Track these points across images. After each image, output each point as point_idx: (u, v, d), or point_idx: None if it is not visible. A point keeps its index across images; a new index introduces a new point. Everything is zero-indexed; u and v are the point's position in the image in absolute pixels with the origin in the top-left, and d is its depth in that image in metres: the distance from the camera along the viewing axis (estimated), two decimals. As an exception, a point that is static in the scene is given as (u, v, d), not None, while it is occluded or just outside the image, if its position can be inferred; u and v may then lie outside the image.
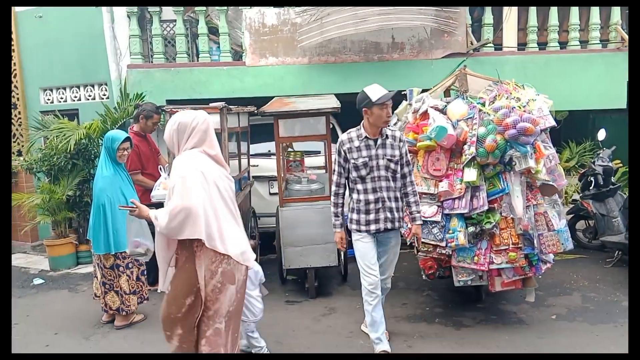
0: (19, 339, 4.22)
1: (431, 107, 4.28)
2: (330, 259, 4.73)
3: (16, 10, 7.21)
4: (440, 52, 6.61)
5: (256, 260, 5.47)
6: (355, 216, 3.60)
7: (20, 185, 7.03)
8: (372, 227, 3.53)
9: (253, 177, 6.25)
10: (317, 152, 6.35)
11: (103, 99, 6.92)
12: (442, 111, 4.24)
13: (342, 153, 3.57)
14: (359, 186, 3.56)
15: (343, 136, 3.60)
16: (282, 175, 5.18)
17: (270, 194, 6.29)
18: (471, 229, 3.94)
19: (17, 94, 7.35)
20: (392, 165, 3.53)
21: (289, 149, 6.02)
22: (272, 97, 5.74)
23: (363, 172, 3.51)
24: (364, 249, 3.57)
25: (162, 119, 5.50)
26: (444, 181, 4.05)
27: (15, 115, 7.42)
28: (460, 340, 3.83)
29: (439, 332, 3.98)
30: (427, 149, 4.13)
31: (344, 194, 3.65)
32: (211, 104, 5.11)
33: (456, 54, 6.56)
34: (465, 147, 3.99)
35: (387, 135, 3.55)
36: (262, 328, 4.18)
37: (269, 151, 6.40)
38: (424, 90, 4.69)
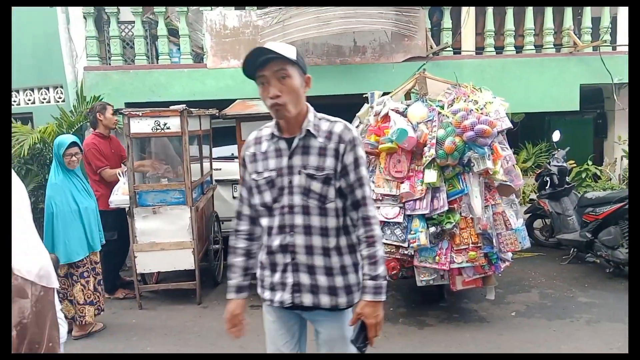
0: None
1: (392, 109, 4.33)
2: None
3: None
4: (401, 56, 6.70)
5: (218, 264, 5.47)
6: (259, 272, 2.12)
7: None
8: (277, 296, 2.04)
9: (216, 180, 6.17)
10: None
11: (58, 102, 6.69)
12: (403, 114, 4.30)
13: (244, 163, 2.08)
14: (265, 221, 2.03)
15: (251, 135, 2.12)
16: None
17: (234, 197, 6.22)
18: (432, 229, 4.00)
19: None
20: (317, 186, 1.93)
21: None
22: (234, 100, 5.68)
23: (267, 198, 1.98)
24: (268, 331, 2.17)
25: (120, 121, 5.36)
26: (405, 183, 4.10)
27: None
28: (424, 339, 3.88)
29: (403, 331, 4.02)
30: (388, 151, 4.17)
31: (249, 232, 2.12)
32: (171, 107, 5.02)
33: (416, 58, 6.67)
34: (426, 149, 4.05)
35: (311, 131, 1.94)
36: (225, 335, 4.09)
37: (232, 154, 6.33)
38: (385, 93, 4.74)
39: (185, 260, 4.77)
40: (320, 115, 2.00)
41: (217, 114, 5.48)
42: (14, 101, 7.03)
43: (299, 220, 1.94)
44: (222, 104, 5.63)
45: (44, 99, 6.88)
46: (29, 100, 6.97)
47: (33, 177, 5.87)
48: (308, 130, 1.93)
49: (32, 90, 6.92)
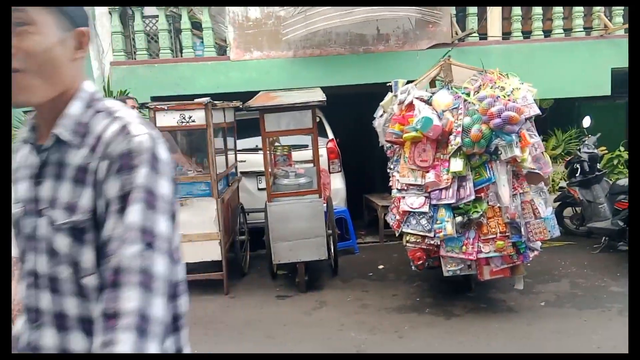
0: None
1: (416, 98, 4.27)
2: (320, 253, 4.72)
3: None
4: (425, 43, 6.60)
5: (244, 255, 5.54)
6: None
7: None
8: None
9: (241, 172, 6.22)
10: (304, 146, 6.33)
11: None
12: (428, 102, 4.24)
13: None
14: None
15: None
16: (270, 170, 5.15)
17: (259, 189, 6.26)
18: (459, 218, 3.95)
19: None
20: (63, 243, 1.02)
21: (276, 144, 5.99)
22: (258, 92, 5.70)
23: (16, 252, 1.14)
24: None
25: (146, 114, 5.44)
26: (430, 172, 4.05)
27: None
28: (451, 329, 3.86)
29: (430, 321, 4.00)
30: (413, 140, 4.12)
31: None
32: (196, 100, 5.07)
33: (441, 45, 6.55)
34: (451, 137, 3.99)
35: (66, 137, 1.05)
36: (254, 323, 4.20)
37: (256, 146, 6.35)
38: (409, 82, 4.68)
39: (213, 251, 4.84)
40: (104, 104, 1.10)
41: (240, 106, 5.51)
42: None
43: (45, 302, 1.07)
44: (245, 96, 5.65)
45: (73, 94, 7.03)
46: (59, 96, 7.12)
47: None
48: (58, 136, 1.05)
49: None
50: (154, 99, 6.37)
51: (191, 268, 5.22)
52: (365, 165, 8.47)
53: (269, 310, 4.46)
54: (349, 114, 7.37)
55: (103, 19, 6.63)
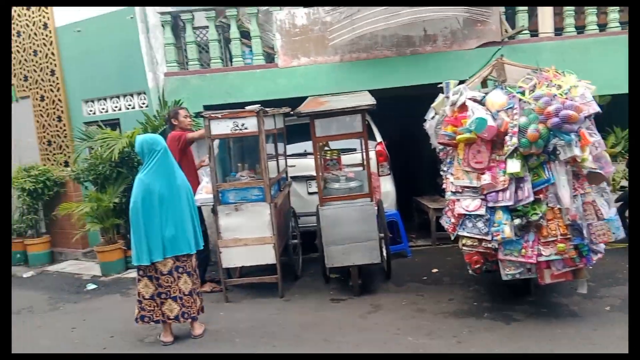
0: (78, 343, 4.41)
1: (469, 98, 4.22)
2: (373, 256, 4.73)
3: (55, 25, 7.50)
4: (474, 42, 6.49)
5: (297, 258, 5.61)
6: None
7: (69, 195, 7.31)
8: None
9: (291, 177, 6.32)
10: (352, 150, 6.36)
11: (143, 107, 7.11)
12: (481, 102, 4.18)
13: None
14: None
15: None
16: (321, 174, 5.21)
17: (309, 193, 6.34)
18: (517, 221, 3.86)
19: (61, 107, 7.65)
20: None
21: (325, 148, 6.05)
22: (305, 98, 5.77)
23: None
24: None
25: (200, 123, 5.62)
26: (486, 174, 3.99)
27: (60, 128, 7.72)
28: (512, 334, 3.77)
29: (489, 326, 3.93)
30: (467, 141, 4.07)
31: None
32: (247, 107, 5.20)
33: (490, 43, 6.43)
34: (507, 138, 3.92)
35: None
36: (310, 326, 4.26)
37: (305, 151, 6.45)
38: (460, 82, 4.63)
39: (267, 255, 4.94)
40: None
41: (290, 112, 5.60)
42: (103, 109, 7.55)
43: None
44: (293, 102, 5.75)
45: (129, 105, 7.34)
46: (116, 107, 7.46)
47: (124, 179, 6.31)
48: None
49: (118, 97, 7.40)
50: (205, 107, 6.56)
51: (246, 271, 5.36)
52: (414, 167, 8.41)
53: (324, 314, 4.51)
54: (397, 116, 7.33)
55: (156, 31, 6.90)
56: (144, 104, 7.18)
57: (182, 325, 4.30)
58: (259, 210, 4.96)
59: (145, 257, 4.05)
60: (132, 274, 6.18)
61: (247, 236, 4.95)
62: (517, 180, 3.89)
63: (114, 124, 7.26)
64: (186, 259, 4.19)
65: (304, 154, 6.45)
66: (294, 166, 6.36)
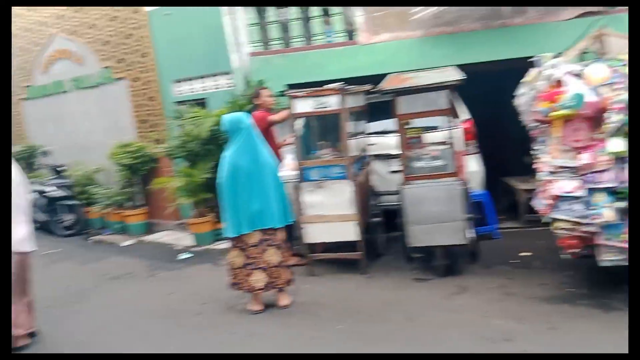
0: (175, 307, 4.76)
1: (567, 72, 3.96)
2: (458, 238, 4.64)
3: (146, 9, 7.91)
4: (570, 13, 6.04)
5: (379, 236, 5.63)
6: None
7: (163, 170, 7.83)
8: None
9: (371, 155, 6.30)
10: (435, 128, 6.20)
11: (229, 87, 7.36)
12: (580, 77, 3.91)
13: None
14: None
15: None
16: (404, 152, 5.14)
17: (390, 172, 6.29)
18: (619, 203, 3.62)
19: (154, 87, 8.12)
20: None
21: (408, 126, 5.94)
22: (386, 74, 5.68)
23: None
24: None
25: (285, 102, 5.74)
26: (585, 153, 3.76)
27: (153, 107, 8.21)
28: (610, 323, 3.56)
29: (585, 314, 3.73)
30: (564, 118, 3.85)
31: None
32: (329, 85, 5.23)
33: (588, 13, 5.95)
34: (610, 114, 3.65)
35: None
36: (392, 304, 4.29)
37: (385, 129, 6.38)
38: (556, 56, 4.34)
39: (349, 232, 5.00)
40: None
41: (372, 90, 5.55)
42: (191, 89, 7.91)
43: None
44: (374, 79, 5.68)
45: (216, 85, 7.63)
46: (203, 87, 7.78)
47: (212, 156, 6.61)
48: None
49: (206, 77, 7.71)
50: (288, 86, 6.68)
51: (328, 247, 5.47)
52: (501, 146, 8.06)
53: (407, 293, 4.51)
54: (482, 93, 7.03)
55: (240, 12, 7.07)
56: (230, 83, 7.43)
57: (271, 296, 4.48)
58: (340, 188, 5.02)
59: (233, 230, 4.29)
60: (222, 245, 6.51)
61: (330, 213, 5.04)
62: (619, 160, 3.63)
63: (201, 103, 7.60)
64: (272, 232, 4.36)
65: (384, 132, 6.39)
66: (375, 144, 6.32)
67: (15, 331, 4.01)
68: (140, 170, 7.92)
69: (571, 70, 3.98)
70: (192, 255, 6.53)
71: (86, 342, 4.19)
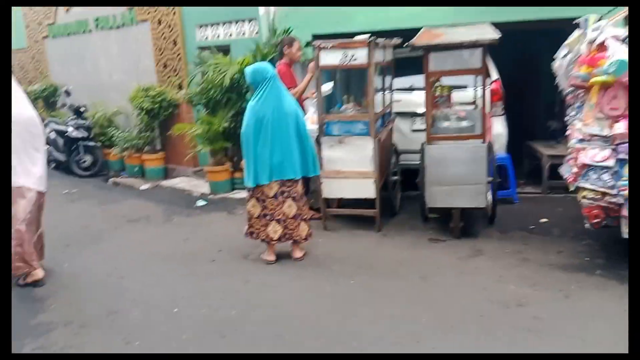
0: (189, 253, 4.83)
1: (611, 37, 3.74)
2: (479, 201, 4.56)
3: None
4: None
5: (396, 195, 5.57)
6: None
7: (182, 116, 7.79)
8: None
9: (395, 112, 6.16)
10: (463, 87, 6.00)
11: (253, 35, 7.18)
12: (625, 42, 3.69)
13: None
14: None
15: None
16: (430, 111, 5.00)
17: (412, 130, 6.17)
18: (650, 176, 3.48)
19: (177, 31, 7.95)
20: None
21: (436, 84, 5.76)
22: (417, 29, 5.44)
23: None
24: None
25: (310, 53, 5.58)
26: (621, 122, 3.59)
27: (175, 52, 8.07)
28: (625, 293, 3.48)
29: (601, 284, 3.68)
30: (603, 85, 3.66)
31: None
32: (357, 37, 5.05)
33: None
34: (652, 83, 3.46)
35: None
36: (406, 262, 4.28)
37: (411, 86, 6.20)
38: (601, 18, 4.09)
39: (367, 189, 4.95)
40: None
41: (402, 44, 5.35)
42: (215, 34, 7.73)
43: None
44: (404, 33, 5.46)
45: (240, 32, 7.44)
46: (227, 33, 7.60)
47: (233, 105, 6.54)
48: None
49: (230, 23, 7.51)
50: (314, 37, 6.48)
51: (345, 203, 5.45)
52: (528, 109, 7.83)
53: (422, 252, 4.50)
54: (512, 53, 6.75)
55: (269, -45, 6.78)
56: (254, 31, 7.23)
57: (286, 247, 4.51)
58: (362, 144, 4.93)
59: (252, 180, 4.27)
60: (238, 194, 6.56)
61: (349, 169, 4.98)
62: (657, 131, 3.46)
63: (225, 49, 7.44)
64: (291, 184, 4.33)
65: (410, 89, 6.22)
66: (399, 101, 6.16)
67: (29, 267, 4.11)
68: (160, 115, 7.89)
69: (616, 35, 3.76)
70: (208, 202, 6.57)
71: (102, 282, 4.29)
